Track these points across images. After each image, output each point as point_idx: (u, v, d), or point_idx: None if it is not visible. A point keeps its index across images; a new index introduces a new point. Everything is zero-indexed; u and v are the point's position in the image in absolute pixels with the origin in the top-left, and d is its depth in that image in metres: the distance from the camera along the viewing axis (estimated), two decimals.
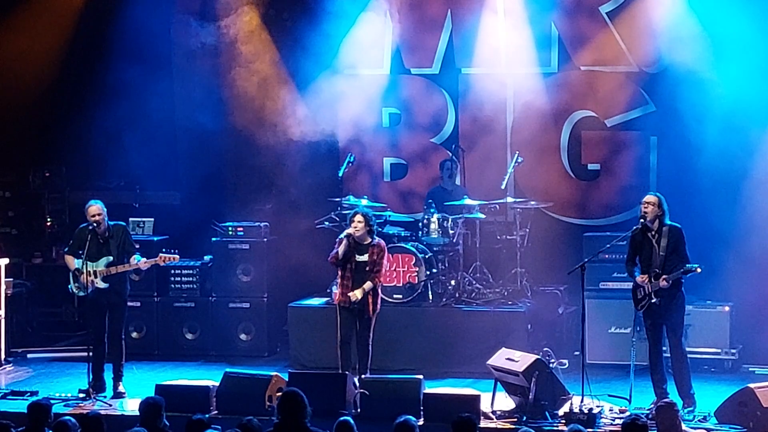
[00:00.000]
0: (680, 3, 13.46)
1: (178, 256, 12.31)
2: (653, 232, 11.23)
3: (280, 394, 9.77)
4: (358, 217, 11.79)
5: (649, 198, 11.32)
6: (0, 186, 15.00)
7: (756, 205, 12.44)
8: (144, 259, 12.02)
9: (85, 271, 11.83)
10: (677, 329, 11.23)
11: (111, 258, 11.94)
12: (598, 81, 14.05)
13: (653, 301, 11.13)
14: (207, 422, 9.07)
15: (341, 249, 11.76)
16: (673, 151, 13.78)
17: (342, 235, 11.83)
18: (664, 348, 11.30)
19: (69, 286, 12.12)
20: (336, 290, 12.00)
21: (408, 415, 9.00)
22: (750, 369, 12.48)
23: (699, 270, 10.97)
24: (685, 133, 13.43)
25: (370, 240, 11.82)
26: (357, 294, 11.70)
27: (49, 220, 15.12)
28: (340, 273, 11.86)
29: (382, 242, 12.01)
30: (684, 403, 11.02)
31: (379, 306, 11.88)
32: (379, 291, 11.91)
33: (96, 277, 11.91)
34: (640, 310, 11.33)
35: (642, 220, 11.23)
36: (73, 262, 12.00)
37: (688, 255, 11.13)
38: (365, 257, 11.78)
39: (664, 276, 10.98)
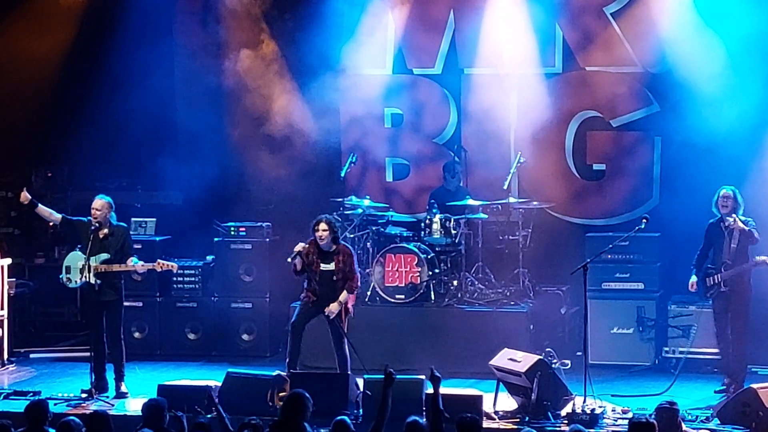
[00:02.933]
0: (685, 3, 13.52)
1: (176, 265, 12.41)
2: (727, 225, 11.77)
3: (283, 394, 9.88)
4: (323, 225, 11.77)
5: (725, 193, 11.84)
6: (2, 186, 15.11)
7: (761, 207, 12.50)
8: (141, 263, 12.08)
9: (77, 265, 11.96)
10: (740, 318, 11.81)
11: (108, 256, 12.03)
12: (602, 81, 14.12)
13: (722, 289, 11.76)
14: (207, 426, 9.17)
15: (298, 263, 11.78)
16: (677, 152, 13.85)
17: (296, 249, 11.77)
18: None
19: (60, 276, 12.24)
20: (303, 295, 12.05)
21: (412, 415, 9.12)
22: (753, 369, 12.54)
23: None
24: (689, 133, 13.50)
25: (335, 247, 11.86)
26: (333, 308, 11.75)
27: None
28: (307, 280, 11.90)
29: (348, 247, 12.05)
30: (733, 387, 11.67)
31: (351, 312, 11.93)
32: (349, 305, 11.94)
33: (89, 272, 12.01)
34: (708, 298, 11.98)
35: (720, 215, 11.85)
36: (57, 217, 12.16)
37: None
38: (331, 266, 11.80)
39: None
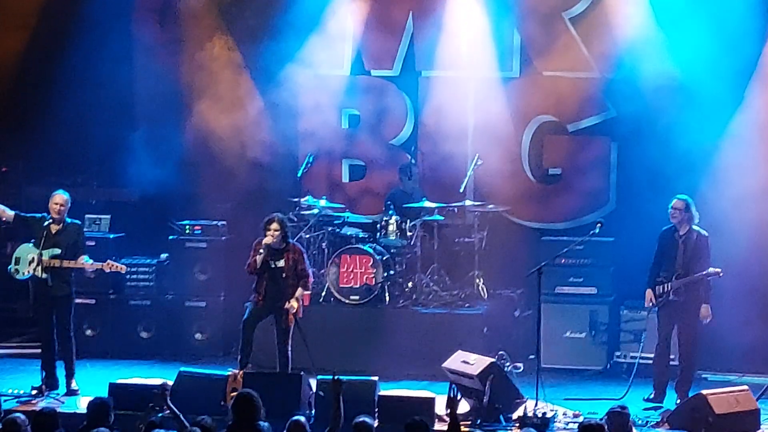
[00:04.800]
0: (642, 9, 13.58)
1: (125, 267, 12.36)
2: (680, 234, 11.64)
3: (234, 394, 9.82)
4: (275, 225, 11.83)
5: (677, 203, 11.70)
6: None
7: (716, 211, 12.57)
8: (91, 261, 12.01)
9: (27, 257, 11.90)
10: (690, 327, 11.65)
11: (59, 251, 11.94)
12: (559, 86, 14.15)
13: (671, 298, 11.59)
14: (159, 423, 9.10)
15: (259, 258, 11.82)
16: (633, 157, 13.89)
17: (264, 242, 11.81)
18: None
19: (9, 267, 12.15)
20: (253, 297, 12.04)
21: (361, 416, 9.11)
22: (703, 375, 12.62)
23: (721, 274, 11.54)
24: (646, 138, 13.57)
25: (285, 245, 11.88)
26: (293, 304, 11.79)
27: None
28: (256, 280, 11.92)
29: (298, 246, 12.12)
30: (681, 395, 11.53)
31: (300, 313, 11.94)
32: (305, 297, 12.00)
33: (39, 265, 11.90)
34: (655, 306, 11.77)
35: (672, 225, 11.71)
36: (10, 214, 12.11)
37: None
38: (281, 263, 11.86)
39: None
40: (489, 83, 14.25)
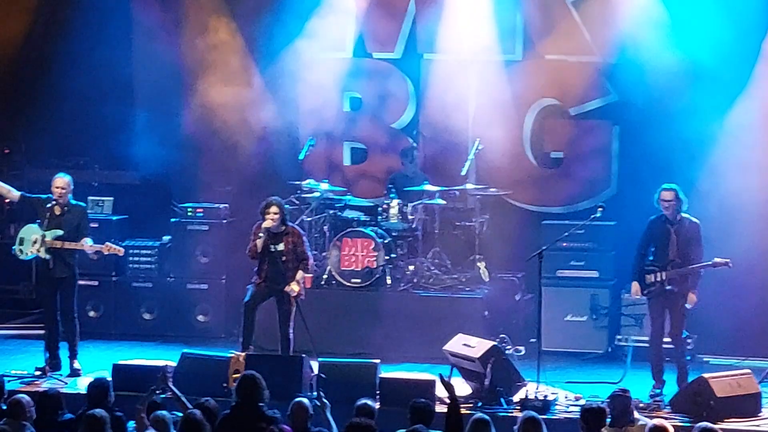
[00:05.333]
0: None
1: (122, 250, 12.37)
2: (671, 222, 11.46)
3: (237, 375, 9.85)
4: (274, 209, 11.83)
5: (667, 194, 11.45)
6: None
7: (715, 196, 12.59)
8: (91, 243, 12.03)
9: (31, 237, 11.96)
10: (680, 315, 11.47)
11: (61, 232, 11.96)
12: (561, 70, 14.12)
13: (666, 287, 11.38)
14: (162, 405, 9.13)
15: (260, 242, 11.84)
16: (635, 141, 13.88)
17: (263, 226, 11.83)
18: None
19: (13, 247, 12.19)
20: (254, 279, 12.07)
21: (363, 398, 9.15)
22: (705, 359, 12.64)
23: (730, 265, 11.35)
24: (647, 122, 13.56)
25: (284, 228, 11.89)
26: (294, 287, 11.81)
27: None
28: (257, 265, 11.94)
29: (297, 228, 12.14)
30: (679, 382, 11.41)
31: (302, 295, 11.96)
32: (307, 279, 12.06)
33: (42, 246, 11.93)
34: (646, 295, 11.56)
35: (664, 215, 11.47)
36: (15, 195, 12.19)
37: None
38: (281, 246, 11.87)
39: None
40: (491, 66, 14.22)
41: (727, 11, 13.04)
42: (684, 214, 11.53)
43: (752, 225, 12.78)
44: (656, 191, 11.58)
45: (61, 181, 12.07)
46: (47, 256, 11.97)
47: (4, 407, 9.36)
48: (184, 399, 9.35)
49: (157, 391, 9.19)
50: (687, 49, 13.26)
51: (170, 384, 9.58)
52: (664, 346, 11.67)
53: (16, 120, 15.28)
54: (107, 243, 12.18)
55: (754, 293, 12.76)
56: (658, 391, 11.51)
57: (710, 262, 11.42)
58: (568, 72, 14.11)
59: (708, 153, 13.15)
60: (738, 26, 13.01)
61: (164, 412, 8.87)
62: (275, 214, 11.84)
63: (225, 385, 10.98)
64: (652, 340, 11.69)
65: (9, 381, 11.07)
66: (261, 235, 11.87)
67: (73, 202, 12.16)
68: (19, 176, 15.13)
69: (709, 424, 8.68)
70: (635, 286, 11.60)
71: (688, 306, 11.49)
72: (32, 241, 12.03)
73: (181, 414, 8.91)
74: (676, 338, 11.59)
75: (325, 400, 9.21)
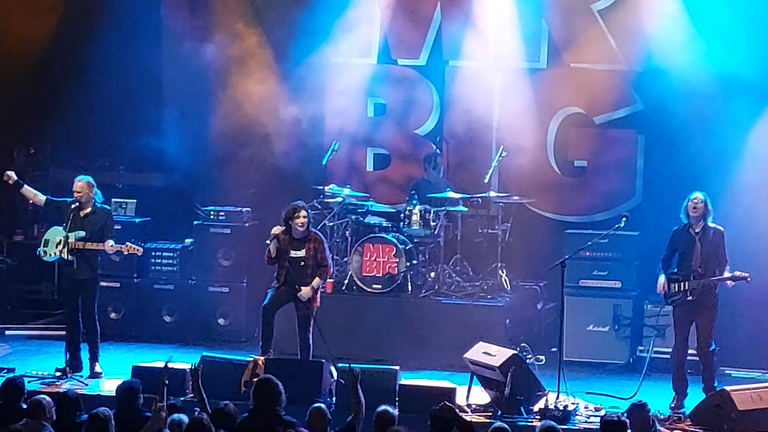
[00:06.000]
0: (673, 1, 13.50)
1: (141, 249, 12.38)
2: (695, 231, 11.41)
3: (256, 380, 9.86)
4: (304, 213, 11.84)
5: (696, 199, 11.46)
6: None
7: (741, 208, 12.51)
8: (111, 243, 12.07)
9: (55, 239, 12.03)
10: (707, 325, 11.40)
11: (84, 234, 12.01)
12: (587, 78, 14.08)
13: (689, 298, 11.35)
14: (182, 407, 9.15)
15: (273, 248, 11.83)
16: (660, 151, 13.85)
17: (272, 231, 11.87)
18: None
19: (38, 249, 12.27)
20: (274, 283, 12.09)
21: (383, 405, 9.13)
22: (726, 372, 12.56)
23: (749, 279, 11.34)
24: (673, 132, 13.48)
25: (307, 234, 11.89)
26: (305, 293, 11.78)
27: None
28: (277, 267, 11.94)
29: (319, 235, 12.12)
30: (705, 391, 11.34)
31: (318, 302, 11.94)
32: (321, 286, 11.98)
33: (65, 247, 11.98)
34: (670, 304, 11.56)
35: (688, 221, 11.47)
36: (41, 199, 12.30)
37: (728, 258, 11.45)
38: (302, 252, 11.87)
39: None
40: (516, 74, 14.20)
41: (755, 20, 12.97)
42: (710, 224, 11.49)
43: None
44: (685, 199, 11.57)
45: (77, 184, 12.13)
46: (70, 258, 12.02)
47: (24, 407, 9.41)
48: (206, 402, 9.36)
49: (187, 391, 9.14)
50: (715, 58, 13.21)
51: (200, 384, 9.57)
52: (688, 358, 11.63)
53: (42, 121, 15.34)
54: (127, 243, 12.22)
55: None
56: (678, 403, 11.44)
57: (729, 276, 11.37)
58: (594, 80, 14.07)
59: (734, 165, 13.06)
60: (765, 35, 12.93)
61: (182, 416, 8.89)
62: (304, 218, 11.85)
63: (244, 389, 10.97)
64: (675, 352, 11.63)
65: (29, 381, 11.13)
66: (267, 241, 11.86)
67: (99, 204, 12.20)
68: (44, 177, 15.23)
69: None
70: (661, 278, 11.55)
71: None
72: (56, 242, 12.10)
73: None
74: (703, 350, 11.50)
75: (356, 370, 9.17)
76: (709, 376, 11.59)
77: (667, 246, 11.64)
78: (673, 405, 11.40)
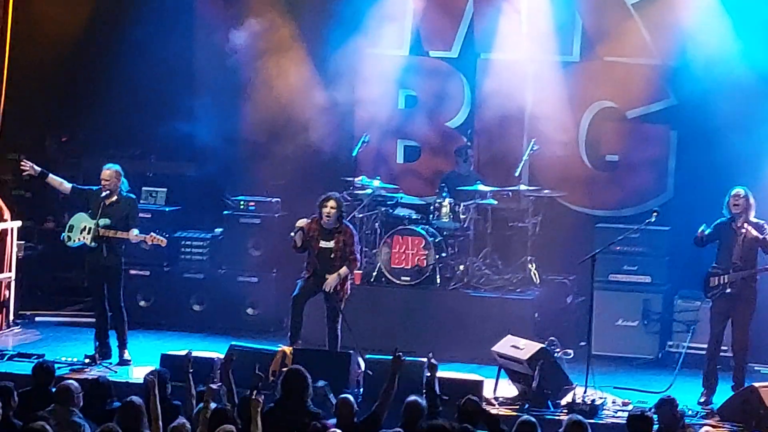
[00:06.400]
0: None
1: (165, 240, 12.41)
2: (739, 224, 11.46)
3: (285, 369, 9.90)
4: (331, 203, 11.87)
5: (738, 194, 11.52)
6: (17, 149, 15.07)
7: None
8: (136, 233, 12.13)
9: (80, 225, 12.13)
10: (744, 321, 11.43)
11: (109, 222, 12.08)
12: (620, 72, 14.04)
13: (727, 291, 11.38)
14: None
15: (298, 239, 11.87)
16: (693, 147, 13.79)
17: (297, 224, 11.93)
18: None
19: (62, 235, 12.35)
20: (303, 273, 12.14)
21: (412, 395, 9.16)
22: (756, 368, 12.49)
23: None
24: (706, 129, 13.42)
25: (337, 225, 11.90)
26: (330, 281, 11.81)
27: None
28: (307, 258, 12.00)
29: (350, 228, 12.14)
30: (735, 387, 11.34)
31: (348, 292, 11.98)
32: (346, 284, 12.01)
33: (89, 234, 12.05)
34: (709, 298, 11.57)
35: (731, 215, 11.51)
36: (67, 187, 12.36)
37: None
38: (331, 243, 11.90)
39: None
40: (548, 67, 14.16)
41: None
42: (752, 219, 11.53)
43: None
44: (726, 195, 11.60)
45: (104, 173, 12.20)
46: (94, 244, 12.10)
47: (53, 391, 9.49)
48: (234, 392, 9.40)
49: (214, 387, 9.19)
50: (751, 55, 13.15)
51: (230, 374, 9.62)
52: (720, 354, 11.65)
53: (75, 109, 15.43)
54: (151, 233, 12.27)
55: None
56: (703, 400, 11.43)
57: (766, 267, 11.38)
58: (627, 74, 14.03)
59: (762, 166, 12.97)
60: None
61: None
62: (332, 208, 11.89)
63: (272, 379, 11.00)
64: (710, 346, 11.63)
65: (59, 367, 11.22)
66: (291, 234, 11.92)
67: (125, 193, 12.27)
68: (77, 164, 15.33)
69: None
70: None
71: None
72: (81, 228, 12.18)
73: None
74: (739, 346, 11.51)
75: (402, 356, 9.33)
76: (740, 372, 11.57)
77: (710, 229, 11.62)
78: (702, 401, 11.38)
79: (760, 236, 11.40)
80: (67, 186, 12.46)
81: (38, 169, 12.47)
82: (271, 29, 14.45)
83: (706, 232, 11.62)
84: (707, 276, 11.62)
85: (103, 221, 12.08)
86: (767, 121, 13.09)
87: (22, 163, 12.52)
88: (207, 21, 14.76)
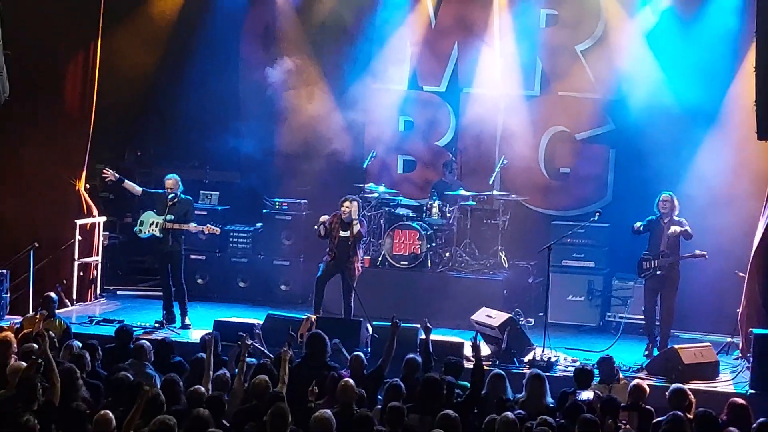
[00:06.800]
0: (640, 45, 13.42)
1: (218, 230, 12.41)
2: (666, 221, 11.49)
3: (309, 332, 9.92)
4: (347, 203, 11.91)
5: (665, 198, 11.56)
6: (101, 161, 15.11)
7: (696, 206, 12.44)
8: (194, 225, 12.14)
9: (148, 220, 12.12)
10: (670, 296, 11.50)
11: (172, 217, 12.09)
12: (571, 103, 14.04)
13: (657, 273, 11.42)
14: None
15: (322, 230, 11.94)
16: (627, 161, 13.78)
17: (320, 219, 11.98)
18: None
19: (134, 228, 12.36)
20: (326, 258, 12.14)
21: (410, 353, 9.17)
22: (675, 333, 12.50)
23: (706, 257, 11.41)
24: (639, 148, 13.43)
25: (354, 220, 11.93)
26: (355, 227, 11.82)
27: None
28: (328, 246, 12.02)
29: (363, 220, 12.21)
30: (660, 348, 11.38)
31: (359, 271, 12.01)
32: (358, 266, 12.00)
33: (156, 227, 12.08)
34: (642, 277, 11.60)
35: (660, 214, 11.53)
36: (138, 190, 12.38)
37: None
38: (347, 233, 11.92)
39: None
40: (515, 99, 14.16)
41: (702, 60, 12.94)
42: (675, 217, 11.54)
43: (721, 227, 12.47)
44: (656, 197, 11.63)
45: (168, 182, 12.18)
46: (161, 235, 12.11)
47: (131, 348, 9.51)
48: (266, 351, 9.41)
49: (248, 342, 9.20)
50: (675, 90, 13.16)
51: (262, 339, 9.63)
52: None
53: (147, 130, 15.46)
54: (208, 225, 12.29)
55: (718, 282, 12.58)
56: (647, 353, 11.53)
57: (691, 254, 11.42)
58: (576, 105, 14.03)
59: (686, 170, 12.97)
60: (709, 72, 12.90)
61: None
62: (347, 207, 11.92)
63: (300, 340, 11.02)
64: (647, 316, 11.72)
65: (135, 330, 11.25)
66: (315, 227, 11.97)
67: (183, 196, 12.28)
68: (148, 174, 15.34)
69: (681, 385, 8.63)
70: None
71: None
72: (150, 223, 12.18)
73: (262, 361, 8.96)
74: (665, 316, 11.55)
75: (399, 322, 9.29)
76: (665, 336, 11.59)
77: (644, 223, 11.64)
78: (646, 353, 11.49)
79: (681, 229, 11.41)
80: (138, 189, 12.47)
81: (117, 176, 12.48)
82: (300, 67, 14.46)
83: (641, 226, 11.64)
84: (640, 260, 11.65)
85: (169, 217, 12.10)
86: (688, 143, 13.08)
87: (105, 171, 12.54)
88: (250, 61, 14.77)
